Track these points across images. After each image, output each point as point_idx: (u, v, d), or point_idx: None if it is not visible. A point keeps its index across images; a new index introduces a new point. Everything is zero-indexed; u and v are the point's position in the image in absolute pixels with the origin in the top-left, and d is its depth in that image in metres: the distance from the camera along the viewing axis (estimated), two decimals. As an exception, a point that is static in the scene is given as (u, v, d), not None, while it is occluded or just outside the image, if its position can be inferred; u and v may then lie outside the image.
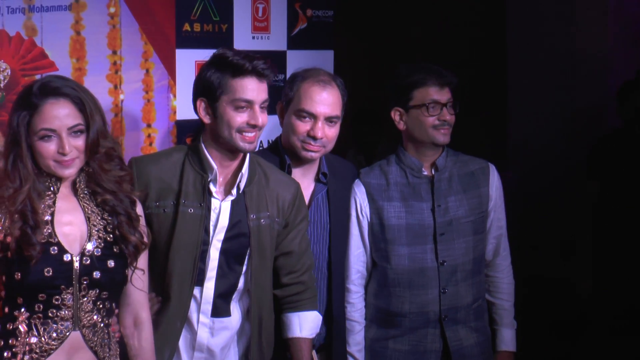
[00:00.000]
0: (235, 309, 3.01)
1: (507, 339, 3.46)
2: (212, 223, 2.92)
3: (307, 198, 3.19)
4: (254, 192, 2.96)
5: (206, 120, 2.91)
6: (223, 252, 2.94)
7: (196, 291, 2.93)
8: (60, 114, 2.56)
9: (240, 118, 2.86)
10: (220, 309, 2.96)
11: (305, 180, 3.20)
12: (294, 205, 3.03)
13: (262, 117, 2.88)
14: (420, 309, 3.29)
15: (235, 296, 3.00)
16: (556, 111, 5.03)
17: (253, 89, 2.86)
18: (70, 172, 2.60)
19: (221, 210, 2.93)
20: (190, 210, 2.89)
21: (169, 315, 2.87)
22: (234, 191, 2.93)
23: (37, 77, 3.12)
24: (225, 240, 2.93)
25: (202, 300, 2.94)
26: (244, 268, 2.98)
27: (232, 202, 2.94)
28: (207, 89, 2.89)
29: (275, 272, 3.05)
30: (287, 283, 3.05)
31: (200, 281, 2.92)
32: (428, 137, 3.26)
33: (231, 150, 2.91)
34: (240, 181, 2.93)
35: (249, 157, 2.97)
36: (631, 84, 5.12)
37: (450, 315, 3.30)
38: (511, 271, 3.49)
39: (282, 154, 3.19)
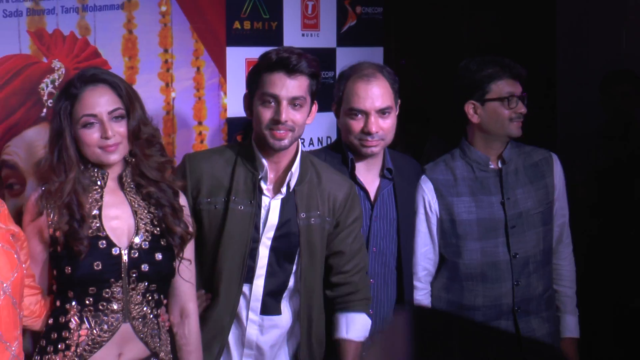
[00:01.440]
0: (286, 308, 3.00)
1: (571, 326, 3.47)
2: (262, 220, 2.92)
3: (372, 194, 3.17)
4: (304, 191, 2.95)
5: (248, 116, 2.93)
6: (273, 250, 2.93)
7: (245, 288, 2.93)
8: (101, 100, 2.60)
9: (266, 113, 2.84)
10: (269, 307, 2.96)
11: (370, 176, 3.18)
12: (345, 205, 3.00)
13: (289, 114, 2.82)
14: (494, 302, 3.29)
15: (285, 295, 2.99)
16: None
17: (280, 84, 2.82)
18: (115, 157, 2.62)
19: (271, 208, 2.92)
20: (241, 207, 2.89)
21: (218, 311, 2.88)
22: (284, 189, 2.92)
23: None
24: (275, 239, 2.93)
25: (251, 298, 2.93)
26: (294, 267, 2.97)
27: (282, 200, 2.93)
28: (248, 84, 2.92)
29: (326, 271, 3.03)
30: (337, 283, 3.03)
31: (249, 278, 2.92)
32: (504, 130, 3.26)
33: (268, 147, 2.88)
34: (290, 179, 2.92)
35: (301, 155, 2.95)
36: (617, 76, 4.83)
37: (522, 307, 3.31)
38: (573, 258, 3.49)
39: (345, 150, 3.16)
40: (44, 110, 3.07)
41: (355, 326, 3.01)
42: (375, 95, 3.08)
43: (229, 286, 2.90)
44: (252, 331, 2.95)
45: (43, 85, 3.08)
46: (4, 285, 2.40)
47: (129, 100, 2.62)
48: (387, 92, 3.11)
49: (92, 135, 2.60)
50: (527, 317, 3.32)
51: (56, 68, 3.10)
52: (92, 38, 3.19)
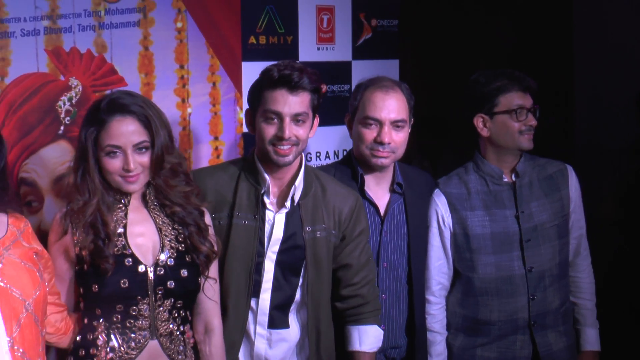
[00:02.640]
0: (294, 321, 3.01)
1: (592, 339, 3.46)
2: (266, 235, 2.93)
3: (382, 208, 3.18)
4: (309, 204, 2.96)
5: (251, 131, 2.95)
6: (278, 263, 2.94)
7: (253, 302, 2.94)
8: (126, 131, 2.61)
9: (269, 130, 2.86)
10: (277, 321, 2.97)
11: (380, 190, 3.19)
12: (351, 217, 3.01)
13: (293, 131, 2.84)
14: (509, 316, 3.28)
15: (293, 308, 3.00)
16: (625, 116, 4.93)
17: (282, 101, 2.83)
18: (134, 187, 2.65)
19: (275, 222, 2.94)
20: (244, 222, 2.91)
21: (228, 327, 2.89)
22: (288, 203, 2.94)
23: (108, 92, 3.17)
24: (280, 252, 2.94)
25: (258, 312, 2.95)
26: (300, 280, 2.98)
27: (287, 214, 2.95)
28: (250, 100, 2.93)
29: (335, 284, 3.04)
30: (346, 296, 3.04)
31: (256, 292, 2.94)
32: (514, 143, 3.25)
33: (272, 163, 2.90)
34: (294, 193, 2.94)
35: (304, 169, 2.97)
36: None
37: (539, 321, 3.29)
38: (591, 270, 3.48)
39: (355, 165, 3.18)
40: (62, 127, 3.10)
41: (368, 338, 3.03)
42: (392, 106, 3.10)
43: (237, 301, 2.91)
44: (260, 345, 2.97)
45: (60, 102, 3.10)
46: (27, 302, 2.42)
47: (156, 130, 2.63)
48: (404, 106, 3.13)
49: (114, 164, 2.62)
50: (544, 331, 3.31)
51: (73, 86, 3.13)
52: (109, 55, 3.21)
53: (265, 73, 2.89)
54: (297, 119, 2.85)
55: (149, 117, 2.63)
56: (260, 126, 2.88)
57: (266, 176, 2.92)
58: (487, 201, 3.30)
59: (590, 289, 3.47)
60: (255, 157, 2.95)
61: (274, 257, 2.94)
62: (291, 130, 2.84)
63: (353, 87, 3.36)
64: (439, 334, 3.31)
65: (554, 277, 3.32)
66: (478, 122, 3.29)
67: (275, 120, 2.85)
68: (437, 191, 3.32)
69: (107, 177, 2.65)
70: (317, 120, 2.96)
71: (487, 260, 3.27)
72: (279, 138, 2.84)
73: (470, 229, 3.28)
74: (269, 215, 2.94)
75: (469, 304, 3.32)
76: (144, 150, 2.63)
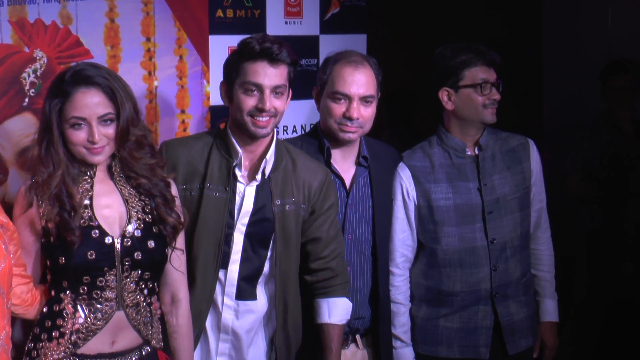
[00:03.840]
0: (262, 294, 3.03)
1: (550, 310, 3.53)
2: (236, 207, 2.95)
3: (348, 181, 3.21)
4: (279, 178, 2.98)
5: (226, 103, 2.96)
6: (247, 236, 2.96)
7: (221, 274, 2.96)
8: (91, 103, 2.60)
9: (249, 102, 2.88)
10: (245, 292, 2.99)
11: (346, 164, 3.21)
12: (321, 192, 3.04)
13: (272, 103, 2.88)
14: (472, 287, 3.33)
15: (261, 280, 3.02)
16: (593, 91, 4.98)
17: (262, 73, 2.86)
18: (99, 159, 2.65)
19: (245, 194, 2.96)
20: (215, 194, 2.92)
21: (195, 297, 2.91)
22: (259, 176, 2.96)
23: (73, 64, 3.14)
24: (250, 225, 2.96)
25: (226, 283, 2.97)
26: (269, 253, 3.00)
27: (257, 187, 2.97)
28: (226, 72, 2.94)
29: (305, 258, 3.07)
30: (316, 269, 3.06)
31: (224, 264, 2.96)
32: (478, 117, 3.29)
33: (248, 135, 2.92)
34: (265, 167, 2.96)
35: (276, 143, 2.99)
36: (614, 66, 4.77)
37: (500, 292, 3.35)
38: (551, 243, 3.55)
39: (321, 138, 3.20)
40: (26, 99, 3.07)
41: (337, 310, 3.06)
42: (361, 82, 3.12)
43: (205, 272, 2.93)
44: (227, 316, 2.98)
45: (25, 74, 3.07)
46: (-8, 275, 2.43)
47: (121, 102, 2.62)
48: (372, 81, 3.15)
49: (79, 136, 2.61)
50: (506, 301, 3.37)
51: (38, 57, 3.10)
52: (74, 27, 3.18)
53: (245, 45, 2.90)
54: (276, 91, 2.88)
55: (114, 89, 2.62)
56: (239, 98, 2.89)
57: (238, 149, 2.93)
58: (451, 174, 3.34)
59: (549, 261, 3.53)
60: (229, 129, 2.96)
61: (244, 229, 2.96)
62: (271, 102, 2.87)
63: (321, 62, 3.37)
64: (402, 305, 3.35)
65: (516, 248, 3.37)
66: (443, 95, 3.32)
67: (255, 92, 2.87)
68: (401, 164, 3.35)
69: (71, 149, 2.64)
70: (290, 94, 2.98)
71: (450, 232, 3.31)
72: (259, 109, 2.86)
73: (434, 201, 3.31)
74: (239, 187, 2.95)
75: (432, 275, 3.36)
76: (109, 122, 2.63)
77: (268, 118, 2.88)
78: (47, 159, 2.62)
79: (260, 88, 2.87)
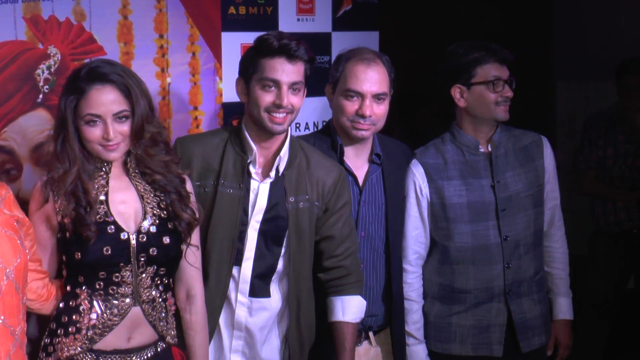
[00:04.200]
0: (275, 291, 3.03)
1: (565, 308, 3.52)
2: (250, 204, 2.95)
3: (361, 178, 3.20)
4: (293, 175, 2.98)
5: (243, 99, 2.96)
6: (261, 233, 2.96)
7: (234, 271, 2.96)
8: (106, 100, 2.60)
9: (266, 98, 2.88)
10: (258, 290, 2.99)
11: (359, 161, 3.21)
12: (335, 190, 3.04)
13: (290, 99, 2.88)
14: (485, 284, 3.32)
15: (274, 278, 3.02)
16: (604, 90, 4.97)
17: (280, 69, 2.87)
18: (114, 155, 2.66)
19: (259, 191, 2.96)
20: (229, 191, 2.92)
21: (209, 293, 2.91)
22: (272, 173, 2.96)
23: (86, 61, 3.15)
24: (264, 222, 2.96)
25: (240, 280, 2.97)
26: (283, 250, 3.00)
27: (271, 184, 2.97)
28: (243, 68, 2.95)
29: (318, 255, 3.07)
30: (329, 267, 3.06)
31: (238, 261, 2.96)
32: (490, 114, 3.29)
33: (264, 131, 2.92)
34: (279, 164, 2.96)
35: (290, 140, 2.99)
36: (629, 65, 4.74)
37: (514, 289, 3.34)
38: (566, 241, 3.54)
39: (334, 135, 3.19)
40: (40, 96, 3.08)
41: (351, 308, 3.05)
42: (374, 79, 3.11)
43: (218, 268, 2.93)
44: (241, 313, 2.99)
45: (39, 71, 3.08)
46: (7, 270, 2.41)
47: (136, 99, 2.62)
48: (385, 79, 3.15)
49: (94, 133, 2.62)
50: (519, 299, 3.36)
51: (52, 54, 3.11)
52: (88, 24, 3.19)
53: (262, 42, 2.90)
54: (293, 87, 2.89)
55: (129, 86, 2.62)
56: (256, 94, 2.89)
57: (253, 145, 2.93)
58: (464, 171, 3.33)
59: (563, 259, 3.52)
60: (243, 125, 2.96)
61: (257, 226, 2.96)
62: (288, 98, 2.87)
63: (333, 59, 3.37)
64: (415, 303, 3.35)
65: (529, 245, 3.37)
66: (455, 92, 3.32)
67: (273, 88, 2.87)
68: (414, 161, 3.35)
69: (86, 146, 2.64)
70: (305, 91, 2.98)
71: (463, 229, 3.31)
72: (276, 106, 2.87)
73: (447, 199, 3.31)
74: (253, 184, 2.96)
75: (445, 272, 3.36)
76: (123, 119, 2.63)
77: (285, 114, 2.88)
78: (62, 155, 2.63)
79: (277, 84, 2.87)
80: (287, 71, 2.87)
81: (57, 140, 2.64)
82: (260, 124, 2.90)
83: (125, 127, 2.63)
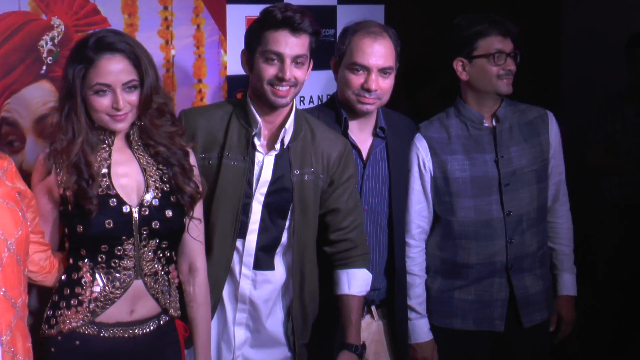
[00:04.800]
0: (280, 264, 3.04)
1: (568, 284, 3.53)
2: (255, 176, 2.95)
3: (364, 152, 3.20)
4: (298, 147, 2.98)
5: (247, 72, 2.95)
6: (266, 205, 2.96)
7: (238, 243, 2.97)
8: (115, 69, 2.59)
9: (269, 70, 2.87)
10: (262, 262, 3.00)
11: (363, 135, 3.21)
12: (340, 162, 3.04)
13: (293, 72, 2.86)
14: (487, 259, 3.33)
15: (279, 250, 3.03)
16: (612, 64, 4.93)
17: (284, 42, 2.85)
18: (122, 126, 2.65)
19: (264, 164, 2.96)
20: (234, 163, 2.92)
21: (213, 266, 2.91)
22: (277, 146, 2.95)
23: (91, 32, 3.13)
24: (268, 194, 2.96)
25: (244, 253, 2.97)
26: (287, 223, 3.01)
27: (276, 156, 2.96)
28: (248, 41, 2.93)
29: (324, 229, 3.07)
30: (335, 240, 3.06)
31: (242, 234, 2.96)
32: (492, 87, 3.27)
33: (267, 104, 2.92)
34: (284, 136, 2.95)
35: (295, 112, 2.98)
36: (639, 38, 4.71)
37: (516, 264, 3.34)
38: (570, 216, 3.54)
39: (339, 108, 3.19)
40: (44, 67, 3.07)
41: (356, 281, 3.05)
42: (380, 53, 3.10)
43: (222, 241, 2.93)
44: (245, 286, 2.99)
45: (42, 42, 3.07)
46: (8, 242, 2.42)
47: (145, 69, 2.61)
48: (391, 52, 3.13)
49: (102, 102, 2.60)
50: (521, 274, 3.36)
51: (55, 25, 3.10)
52: (92, -5, 3.19)
53: (267, 14, 2.88)
54: (297, 60, 2.87)
55: (139, 56, 2.62)
56: (259, 66, 2.88)
57: (258, 118, 2.93)
58: (468, 145, 3.33)
59: (568, 235, 3.53)
60: (248, 98, 2.95)
61: (262, 198, 2.96)
62: (291, 71, 2.86)
63: (338, 32, 3.35)
64: (418, 277, 3.35)
65: (532, 221, 3.37)
66: (457, 65, 3.31)
67: (276, 61, 2.86)
68: (418, 135, 3.34)
69: (93, 116, 2.63)
70: (311, 64, 2.97)
71: (466, 204, 3.31)
72: (279, 79, 2.86)
73: (450, 173, 3.31)
74: (258, 157, 2.95)
75: (447, 247, 3.36)
76: (132, 89, 2.62)
77: (288, 87, 2.87)
78: (67, 126, 2.62)
79: (280, 57, 2.86)
80: (291, 44, 2.85)
81: (62, 111, 2.63)
82: (264, 96, 2.90)
83: (133, 97, 2.62)
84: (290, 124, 2.96)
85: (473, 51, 3.27)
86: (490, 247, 3.32)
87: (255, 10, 3.12)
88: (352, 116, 3.18)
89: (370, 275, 3.10)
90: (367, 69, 3.10)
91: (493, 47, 3.25)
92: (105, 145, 2.69)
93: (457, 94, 3.41)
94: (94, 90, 2.60)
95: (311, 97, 3.86)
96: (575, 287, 3.54)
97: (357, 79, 3.11)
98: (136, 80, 2.62)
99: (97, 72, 2.59)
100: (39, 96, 3.06)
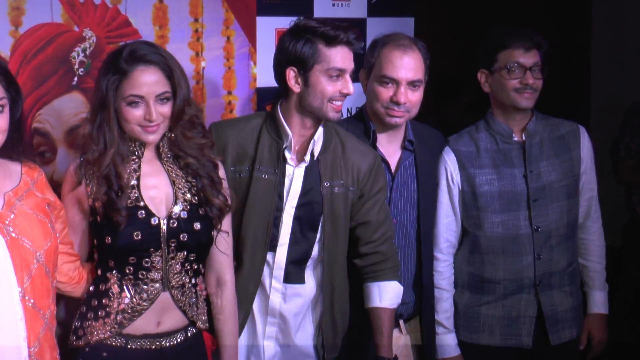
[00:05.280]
0: (310, 277, 3.04)
1: (600, 302, 3.47)
2: (285, 189, 2.95)
3: (393, 165, 3.20)
4: (328, 159, 2.98)
5: (295, 89, 2.91)
6: (296, 218, 2.96)
7: (269, 256, 2.96)
8: (149, 81, 2.61)
9: (333, 87, 2.88)
10: (293, 276, 3.00)
11: (392, 147, 3.20)
12: (370, 175, 3.03)
13: (351, 86, 2.90)
14: (515, 275, 3.30)
15: (310, 264, 3.02)
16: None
17: (346, 58, 2.88)
18: (154, 137, 2.66)
19: (294, 176, 2.96)
20: (265, 176, 2.92)
21: (243, 279, 2.92)
22: (307, 157, 2.95)
23: (122, 44, 3.16)
24: (298, 207, 2.96)
25: (274, 266, 2.97)
26: (318, 236, 3.00)
27: (306, 168, 2.96)
28: (297, 58, 2.89)
29: (354, 241, 3.06)
30: (366, 253, 3.05)
31: (273, 247, 2.96)
32: (509, 100, 3.26)
33: (317, 119, 2.92)
34: (313, 147, 2.95)
35: (324, 124, 2.98)
36: None
37: (544, 281, 3.31)
38: (602, 233, 3.49)
39: (367, 121, 3.18)
40: (75, 78, 3.10)
41: (388, 294, 3.04)
42: (409, 66, 3.10)
43: (253, 254, 2.93)
44: (275, 299, 2.99)
45: (74, 53, 3.10)
46: (38, 254, 2.44)
47: (178, 81, 2.63)
48: (420, 65, 3.13)
49: (135, 114, 2.61)
50: (550, 291, 3.33)
51: (87, 37, 3.13)
52: (123, 7, 3.20)
53: (317, 31, 2.86)
54: (351, 74, 2.91)
55: (172, 68, 2.63)
56: (322, 83, 2.88)
57: (289, 131, 2.93)
58: (496, 159, 3.31)
59: (600, 252, 3.47)
60: (279, 111, 2.95)
61: (292, 211, 2.96)
62: (351, 85, 2.90)
63: (368, 45, 3.34)
64: (445, 291, 3.33)
65: (561, 237, 3.33)
66: (481, 77, 3.32)
67: (339, 77, 2.89)
68: (446, 149, 3.33)
69: (125, 127, 2.64)
70: None
71: (493, 219, 3.28)
72: (343, 95, 2.89)
73: (478, 187, 3.29)
74: (288, 169, 2.96)
75: (475, 261, 3.34)
76: (165, 100, 2.63)
77: (342, 102, 2.90)
78: (98, 137, 2.63)
79: (343, 73, 2.88)
80: (350, 59, 2.90)
81: (94, 122, 2.63)
82: (320, 113, 2.90)
83: (166, 109, 2.64)
84: (319, 136, 2.96)
85: (494, 63, 3.27)
86: (517, 262, 3.30)
87: (285, 22, 3.12)
88: (380, 129, 3.18)
89: (401, 287, 3.09)
90: (397, 82, 3.09)
91: (511, 60, 3.23)
92: (135, 157, 2.70)
93: (486, 107, 3.39)
94: (127, 101, 2.61)
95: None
96: (606, 305, 3.48)
97: (386, 92, 3.11)
98: (169, 92, 2.63)
99: (130, 84, 2.60)
100: (71, 107, 3.09)
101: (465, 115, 3.42)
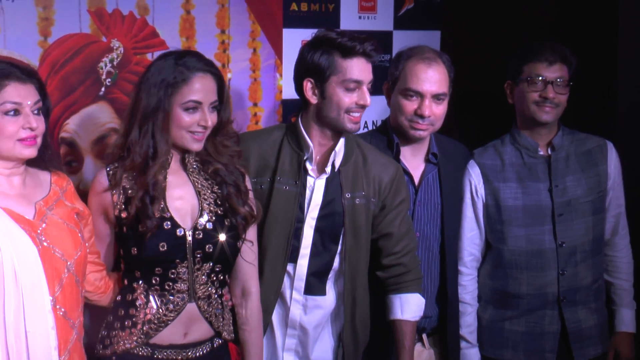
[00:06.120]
0: (331, 289, 3.03)
1: (627, 320, 3.43)
2: (306, 200, 2.95)
3: (417, 178, 3.19)
4: (349, 171, 2.98)
5: (313, 100, 2.92)
6: (317, 230, 2.96)
7: (290, 268, 2.96)
8: (207, 88, 2.64)
9: (349, 98, 2.88)
10: (314, 287, 2.99)
11: (415, 160, 3.19)
12: (391, 186, 3.03)
13: (368, 98, 2.90)
14: (538, 290, 3.28)
15: (331, 276, 3.02)
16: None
17: (363, 69, 2.87)
18: (199, 146, 2.67)
19: (315, 187, 2.96)
20: (286, 188, 2.93)
21: (263, 290, 2.91)
22: (328, 169, 2.95)
23: (149, 55, 3.19)
24: (320, 218, 2.96)
25: (295, 277, 2.97)
26: (339, 248, 3.00)
27: (327, 180, 2.96)
28: (314, 69, 2.90)
29: (376, 253, 3.05)
30: (388, 265, 3.04)
31: (294, 258, 2.96)
32: (529, 113, 3.26)
33: (335, 131, 2.92)
34: (334, 159, 2.95)
35: (345, 136, 2.98)
36: None
37: (569, 297, 3.28)
38: (630, 250, 3.45)
39: (391, 134, 3.18)
40: (103, 89, 3.12)
41: (410, 306, 3.03)
42: (434, 79, 3.09)
43: (273, 265, 2.93)
44: (295, 311, 2.99)
45: (102, 64, 3.12)
46: (68, 263, 2.46)
47: (226, 92, 2.68)
48: (445, 78, 3.13)
49: (193, 119, 2.62)
50: (574, 307, 3.30)
51: (115, 47, 3.15)
52: (151, 18, 3.22)
53: (334, 42, 2.88)
54: (369, 86, 2.92)
55: (222, 79, 2.68)
56: (338, 95, 2.89)
57: (310, 143, 2.93)
58: (521, 173, 3.29)
59: (628, 269, 3.43)
60: (300, 123, 2.96)
61: (313, 223, 2.96)
62: (368, 97, 2.91)
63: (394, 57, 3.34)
64: (469, 305, 3.32)
65: (587, 253, 3.30)
66: (507, 88, 3.34)
67: (356, 89, 2.89)
68: (471, 162, 3.33)
69: (174, 134, 2.63)
70: None
71: (517, 233, 3.27)
72: (360, 106, 2.90)
73: (502, 201, 3.27)
74: (309, 181, 2.96)
75: (498, 276, 3.32)
76: (214, 109, 2.67)
77: (360, 114, 2.90)
78: (143, 142, 2.61)
79: (360, 85, 2.88)
80: (367, 71, 2.89)
81: (142, 128, 2.60)
82: (338, 124, 2.90)
83: (215, 117, 2.66)
84: (340, 147, 2.96)
85: (517, 75, 3.27)
86: (541, 277, 3.28)
87: (311, 34, 3.13)
88: (404, 142, 3.18)
89: (424, 300, 3.08)
90: (421, 95, 3.09)
91: (534, 72, 3.24)
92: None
93: (511, 122, 3.38)
94: (185, 106, 2.62)
95: (365, 123, 3.86)
96: (634, 324, 3.43)
97: (410, 105, 3.10)
98: (217, 101, 2.66)
99: (190, 89, 2.61)
100: (98, 117, 3.11)
101: (490, 128, 3.40)
